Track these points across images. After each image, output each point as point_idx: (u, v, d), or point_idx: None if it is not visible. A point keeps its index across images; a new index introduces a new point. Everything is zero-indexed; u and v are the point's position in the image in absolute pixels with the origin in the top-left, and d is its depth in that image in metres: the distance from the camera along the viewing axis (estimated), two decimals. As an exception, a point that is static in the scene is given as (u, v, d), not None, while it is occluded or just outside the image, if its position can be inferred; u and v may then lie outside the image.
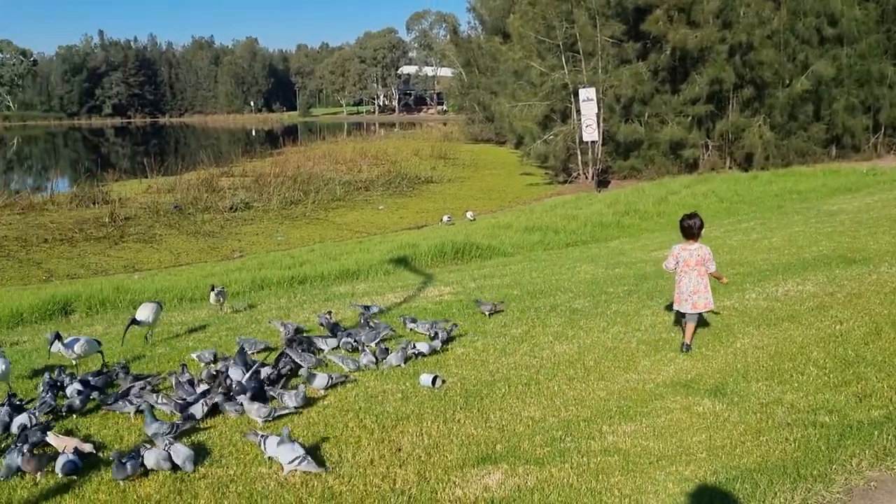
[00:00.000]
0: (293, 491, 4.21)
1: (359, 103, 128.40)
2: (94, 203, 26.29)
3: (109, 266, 18.75)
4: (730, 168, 30.94)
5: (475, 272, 11.99)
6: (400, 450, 4.73)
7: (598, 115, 27.86)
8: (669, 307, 8.02)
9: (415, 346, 6.76)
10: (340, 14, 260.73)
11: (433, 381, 5.93)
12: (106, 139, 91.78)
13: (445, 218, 23.32)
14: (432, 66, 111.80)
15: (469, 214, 23.57)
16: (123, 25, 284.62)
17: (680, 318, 6.87)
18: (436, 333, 6.97)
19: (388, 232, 22.70)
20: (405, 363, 6.58)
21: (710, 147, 31.59)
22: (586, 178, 32.66)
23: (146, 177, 33.23)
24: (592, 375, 5.97)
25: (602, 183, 31.15)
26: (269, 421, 5.31)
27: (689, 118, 30.77)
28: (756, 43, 28.74)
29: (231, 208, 26.00)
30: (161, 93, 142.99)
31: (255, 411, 5.36)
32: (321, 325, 8.03)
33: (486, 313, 8.25)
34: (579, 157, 32.78)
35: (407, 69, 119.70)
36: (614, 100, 30.89)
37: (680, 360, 6.15)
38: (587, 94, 27.28)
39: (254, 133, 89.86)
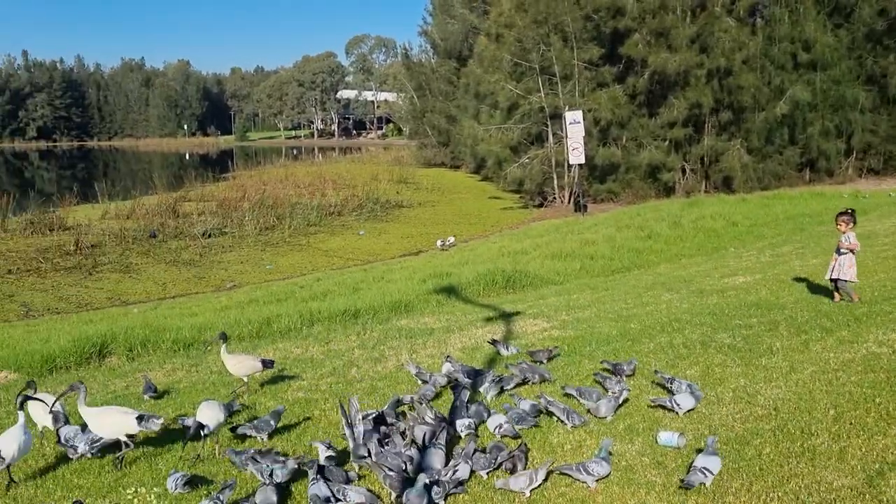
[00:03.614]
0: None
1: (296, 127, 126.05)
2: (50, 230, 24.35)
3: (92, 298, 17.09)
4: (706, 192, 30.87)
5: (546, 301, 11.04)
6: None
7: (584, 138, 27.36)
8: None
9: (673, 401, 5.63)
10: (275, 38, 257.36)
11: (679, 438, 4.95)
12: (30, 163, 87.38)
13: (439, 243, 22.43)
14: (372, 90, 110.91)
15: (439, 243, 22.56)
16: (49, 45, 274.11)
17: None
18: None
19: (386, 259, 21.58)
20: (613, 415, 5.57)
21: (687, 170, 31.53)
22: (562, 202, 32.20)
23: (97, 202, 31.21)
24: None
25: (580, 207, 30.67)
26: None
27: (667, 141, 30.68)
28: (734, 68, 28.88)
29: (204, 234, 24.47)
30: (89, 115, 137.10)
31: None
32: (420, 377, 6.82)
33: (544, 360, 7.13)
34: (555, 181, 32.33)
35: (346, 93, 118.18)
36: (592, 123, 30.53)
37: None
38: (574, 117, 26.78)
39: (188, 157, 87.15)
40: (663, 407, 5.63)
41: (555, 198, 32.58)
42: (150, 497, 4.61)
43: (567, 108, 28.87)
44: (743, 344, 7.43)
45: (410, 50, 66.46)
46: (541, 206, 32.81)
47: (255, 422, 5.64)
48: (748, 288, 10.63)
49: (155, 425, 5.15)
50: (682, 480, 4.49)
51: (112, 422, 5.12)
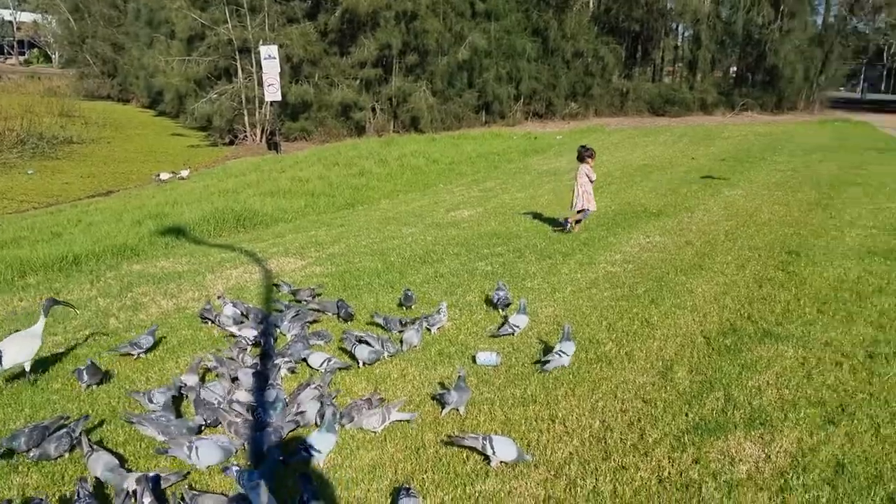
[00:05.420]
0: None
1: None
2: None
3: None
4: (395, 131, 32.13)
5: (286, 239, 10.84)
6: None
7: (279, 74, 26.71)
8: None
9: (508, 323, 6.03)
10: None
11: (496, 357, 5.33)
12: None
13: (164, 175, 21.62)
14: (9, 8, 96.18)
15: (164, 175, 21.68)
16: None
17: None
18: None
19: (71, 200, 19.31)
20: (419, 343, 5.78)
21: (378, 110, 32.44)
22: (254, 139, 31.34)
23: None
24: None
25: (274, 145, 30.14)
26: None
27: (358, 81, 31.19)
28: (420, 12, 30.09)
29: None
30: None
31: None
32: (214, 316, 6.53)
33: (308, 298, 7.01)
34: (246, 118, 31.29)
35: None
36: (284, 59, 29.92)
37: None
38: (269, 52, 25.97)
39: None
40: (504, 334, 5.97)
41: (246, 136, 31.56)
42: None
43: (261, 42, 27.93)
44: (503, 270, 8.09)
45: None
46: (231, 143, 31.53)
47: (134, 339, 5.81)
48: (478, 220, 11.48)
49: None
50: (539, 363, 5.22)
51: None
